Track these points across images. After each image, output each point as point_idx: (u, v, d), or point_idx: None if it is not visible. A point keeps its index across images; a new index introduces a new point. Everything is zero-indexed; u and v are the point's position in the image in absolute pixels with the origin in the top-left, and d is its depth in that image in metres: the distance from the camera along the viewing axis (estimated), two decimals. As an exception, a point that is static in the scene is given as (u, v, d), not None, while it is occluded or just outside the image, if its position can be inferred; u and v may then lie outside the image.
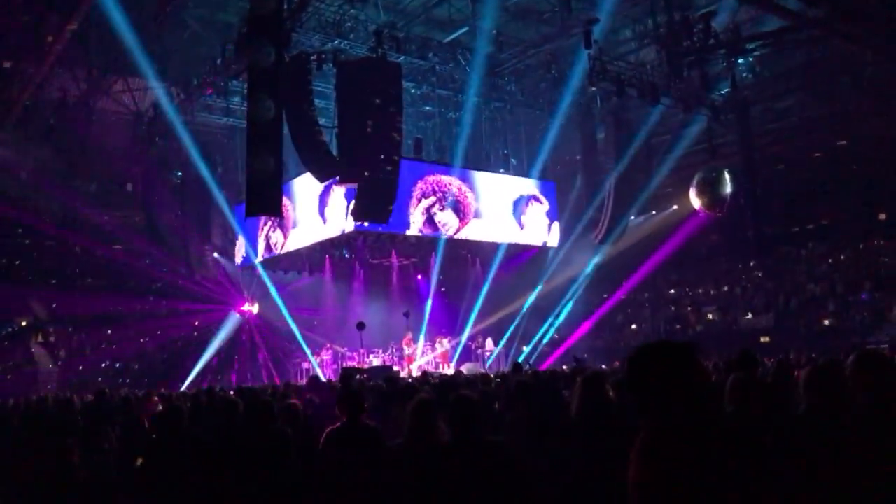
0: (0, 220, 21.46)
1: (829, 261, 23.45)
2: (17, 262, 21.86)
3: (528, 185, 22.60)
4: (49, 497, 4.06)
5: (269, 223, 22.59)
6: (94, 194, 23.01)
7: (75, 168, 22.45)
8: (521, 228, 22.02)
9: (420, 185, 20.45)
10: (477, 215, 21.31)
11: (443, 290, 24.34)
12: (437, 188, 20.75)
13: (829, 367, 3.38)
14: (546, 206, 22.67)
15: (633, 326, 26.23)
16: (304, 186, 20.91)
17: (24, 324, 24.20)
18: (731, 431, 2.07)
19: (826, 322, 21.19)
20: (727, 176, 20.13)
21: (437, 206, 20.65)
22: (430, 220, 20.51)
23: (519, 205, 22.16)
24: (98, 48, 20.28)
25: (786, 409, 3.57)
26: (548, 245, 22.74)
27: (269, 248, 23.04)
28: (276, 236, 22.64)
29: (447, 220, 20.80)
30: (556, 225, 22.99)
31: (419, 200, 20.34)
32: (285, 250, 22.48)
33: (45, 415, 9.14)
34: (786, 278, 23.98)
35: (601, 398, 4.74)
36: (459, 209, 21.07)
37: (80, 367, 23.08)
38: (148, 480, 4.95)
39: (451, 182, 21.08)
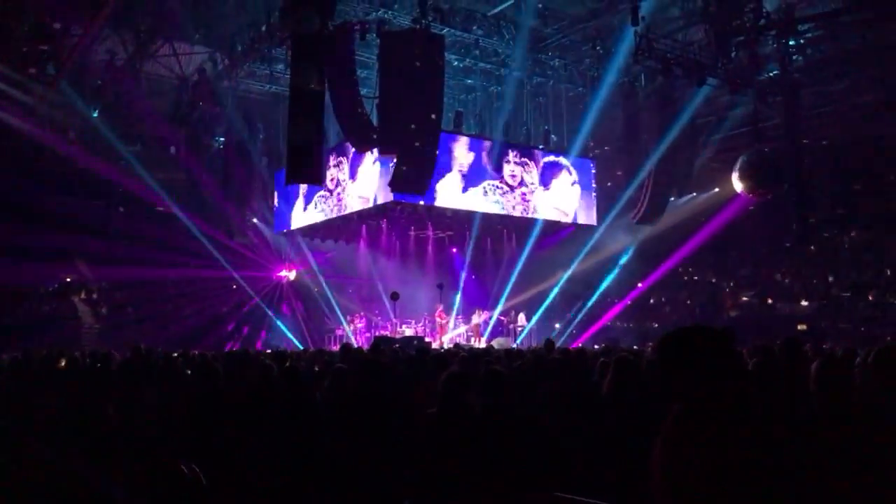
0: (47, 180, 21.91)
1: (873, 249, 22.95)
2: (63, 221, 22.28)
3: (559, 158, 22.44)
4: (83, 449, 4.20)
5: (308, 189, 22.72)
6: (138, 156, 23.33)
7: (120, 129, 22.79)
8: (546, 189, 21.83)
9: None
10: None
11: (477, 264, 24.36)
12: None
13: (839, 361, 3.32)
14: (574, 177, 22.41)
15: (668, 309, 26.03)
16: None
17: (68, 280, 24.80)
18: (758, 419, 2.06)
19: (867, 312, 20.81)
20: (772, 160, 19.74)
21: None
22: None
23: (547, 171, 21.99)
24: (145, 12, 20.49)
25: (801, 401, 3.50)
26: (578, 221, 22.52)
27: (307, 215, 23.21)
28: (320, 202, 22.78)
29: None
30: (590, 201, 22.75)
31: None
32: (324, 218, 22.66)
33: (82, 368, 9.42)
34: (827, 266, 23.55)
35: (634, 379, 4.76)
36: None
37: (122, 325, 23.61)
38: (182, 437, 5.09)
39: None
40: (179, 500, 2.34)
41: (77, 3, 18.44)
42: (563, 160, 22.27)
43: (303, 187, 22.43)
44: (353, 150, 20.00)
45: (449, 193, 20.08)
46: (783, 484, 1.95)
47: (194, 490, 2.39)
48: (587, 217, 22.60)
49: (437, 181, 19.31)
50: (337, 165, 21.80)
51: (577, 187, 22.36)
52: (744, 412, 2.02)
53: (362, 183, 20.79)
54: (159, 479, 2.41)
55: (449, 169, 19.94)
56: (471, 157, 20.54)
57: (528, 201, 21.44)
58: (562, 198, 22.11)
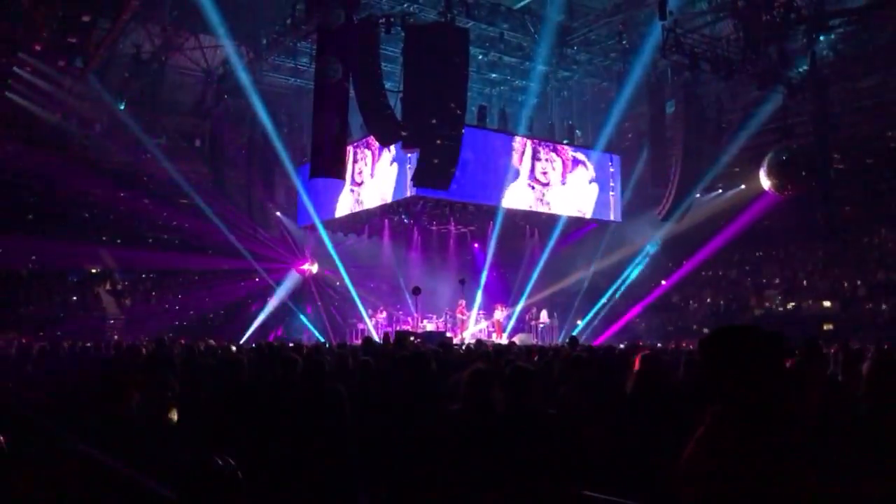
0: (74, 170, 22.17)
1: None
2: (88, 213, 22.60)
3: (578, 154, 22.32)
4: (106, 439, 4.22)
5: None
6: (163, 148, 23.54)
7: (147, 122, 23.00)
8: (567, 185, 21.73)
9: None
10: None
11: (499, 259, 24.31)
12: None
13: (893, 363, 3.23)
14: (591, 172, 22.27)
15: (692, 306, 25.81)
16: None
17: (93, 271, 25.10)
18: (797, 426, 2.00)
19: (893, 312, 20.49)
20: (799, 157, 19.48)
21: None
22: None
23: (570, 167, 21.91)
24: (172, 5, 20.63)
25: (849, 404, 3.42)
26: (601, 217, 22.38)
27: (330, 209, 23.27)
28: (345, 197, 22.85)
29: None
30: (614, 197, 22.60)
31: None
32: (349, 212, 22.72)
33: (108, 358, 9.51)
34: (854, 265, 23.22)
35: (659, 378, 4.71)
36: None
37: (146, 316, 23.87)
38: (205, 428, 5.11)
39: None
40: (211, 492, 2.33)
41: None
42: (583, 156, 22.15)
43: (327, 181, 22.47)
44: (377, 144, 20.03)
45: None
46: (822, 488, 1.90)
47: (230, 484, 2.38)
48: (611, 213, 22.44)
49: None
50: (361, 160, 21.84)
51: (596, 184, 22.24)
52: (786, 416, 1.96)
53: (380, 180, 20.88)
54: (194, 473, 2.40)
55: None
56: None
57: (550, 197, 21.35)
58: (582, 194, 21.99)
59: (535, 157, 21.13)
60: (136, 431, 4.51)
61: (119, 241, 24.58)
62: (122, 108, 22.35)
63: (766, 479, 1.85)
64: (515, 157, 20.86)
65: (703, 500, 1.93)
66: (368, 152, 21.54)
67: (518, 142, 20.96)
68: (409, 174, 19.05)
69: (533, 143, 21.17)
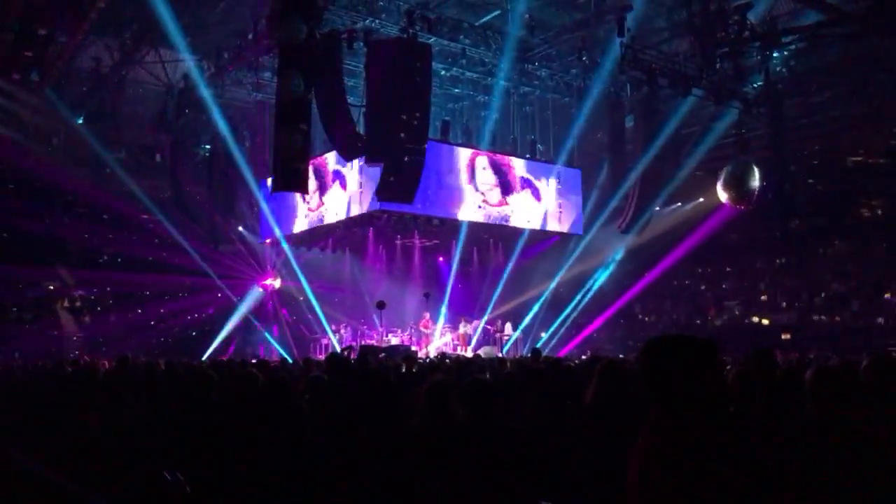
0: (31, 186, 21.78)
1: (855, 260, 23.17)
2: (46, 228, 22.16)
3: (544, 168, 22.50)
4: (69, 458, 4.17)
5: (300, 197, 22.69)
6: (123, 163, 23.24)
7: (106, 137, 22.68)
8: (531, 199, 21.90)
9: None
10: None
11: (464, 273, 24.39)
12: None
13: (838, 371, 3.31)
14: (556, 187, 22.49)
15: (653, 318, 26.15)
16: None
17: (51, 288, 24.61)
18: (738, 431, 2.07)
19: (849, 322, 21.00)
20: (756, 170, 19.92)
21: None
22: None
23: (532, 181, 22.10)
24: (131, 19, 20.44)
25: (796, 411, 3.50)
26: (564, 230, 22.57)
27: (295, 223, 23.15)
28: (306, 209, 22.74)
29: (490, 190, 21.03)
30: (576, 211, 22.83)
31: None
32: (310, 226, 22.61)
33: (67, 377, 9.34)
34: (810, 276, 23.75)
35: (618, 387, 4.77)
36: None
37: (105, 333, 23.45)
38: (167, 447, 5.05)
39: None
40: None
41: (62, 9, 18.37)
42: (547, 170, 22.36)
43: (290, 195, 22.37)
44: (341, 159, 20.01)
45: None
46: (762, 493, 1.97)
47: (179, 499, 2.38)
48: (573, 226, 22.67)
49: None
50: (322, 174, 21.77)
51: (561, 197, 22.43)
52: (721, 421, 2.03)
53: (342, 194, 20.90)
54: (144, 488, 2.39)
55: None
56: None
57: (511, 210, 21.50)
58: (545, 208, 22.17)
59: (495, 172, 21.22)
60: (93, 449, 4.46)
61: (78, 257, 24.15)
62: (80, 122, 22.02)
63: (700, 474, 1.91)
64: (469, 172, 20.89)
65: (644, 496, 1.99)
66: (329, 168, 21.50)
67: (465, 155, 20.98)
68: (359, 189, 19.22)
69: (490, 157, 21.26)
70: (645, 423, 2.07)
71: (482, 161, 21.01)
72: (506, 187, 21.38)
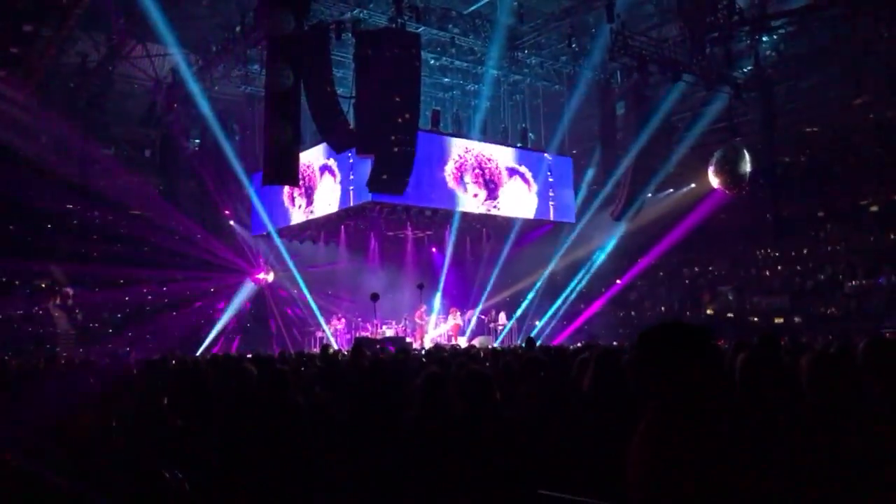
0: (20, 184, 21.61)
1: (848, 244, 23.24)
2: (36, 225, 22.03)
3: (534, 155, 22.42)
4: (62, 458, 4.15)
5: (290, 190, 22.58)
6: (112, 159, 23.11)
7: (94, 133, 22.54)
8: (521, 187, 21.83)
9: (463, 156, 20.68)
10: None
11: (457, 263, 24.36)
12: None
13: (835, 356, 3.30)
14: (543, 175, 22.46)
15: (647, 304, 26.21)
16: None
17: (43, 286, 24.48)
18: (740, 417, 2.04)
19: (842, 306, 21.08)
20: (747, 155, 19.94)
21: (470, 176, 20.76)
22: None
23: (521, 169, 22.05)
24: (117, 13, 20.26)
25: (795, 396, 3.49)
26: (556, 218, 22.54)
27: (287, 216, 23.08)
28: (299, 202, 22.66)
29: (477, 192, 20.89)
30: (568, 199, 22.82)
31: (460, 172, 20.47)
32: (303, 219, 22.55)
33: (61, 375, 9.29)
34: (803, 260, 23.82)
35: (614, 375, 4.77)
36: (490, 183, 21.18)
37: (98, 330, 23.36)
38: (163, 443, 5.03)
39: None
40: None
41: (47, 5, 18.22)
42: (538, 158, 22.32)
43: (283, 187, 22.29)
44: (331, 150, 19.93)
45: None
46: (765, 483, 1.94)
47: (178, 497, 2.36)
48: (565, 215, 22.67)
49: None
50: (308, 170, 21.68)
51: (553, 186, 22.40)
52: (722, 410, 2.00)
53: (333, 186, 20.83)
54: (141, 486, 2.36)
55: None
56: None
57: (502, 200, 21.46)
58: (535, 196, 22.14)
59: (478, 162, 21.13)
60: (92, 450, 4.43)
61: (69, 254, 24.03)
62: (68, 118, 21.87)
63: (704, 468, 1.89)
64: (456, 163, 20.83)
65: (647, 493, 1.96)
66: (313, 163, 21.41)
67: (457, 145, 20.91)
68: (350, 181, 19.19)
69: (476, 164, 21.21)
70: (643, 419, 2.04)
71: (468, 174, 20.92)
72: (493, 188, 21.32)
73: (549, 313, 23.53)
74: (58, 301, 24.35)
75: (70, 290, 24.31)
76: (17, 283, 23.69)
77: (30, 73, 19.19)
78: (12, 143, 21.87)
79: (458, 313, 22.61)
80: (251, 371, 5.83)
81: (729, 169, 19.86)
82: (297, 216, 22.66)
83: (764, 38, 20.91)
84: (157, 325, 23.92)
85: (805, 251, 23.99)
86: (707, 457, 1.89)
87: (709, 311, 23.96)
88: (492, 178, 21.31)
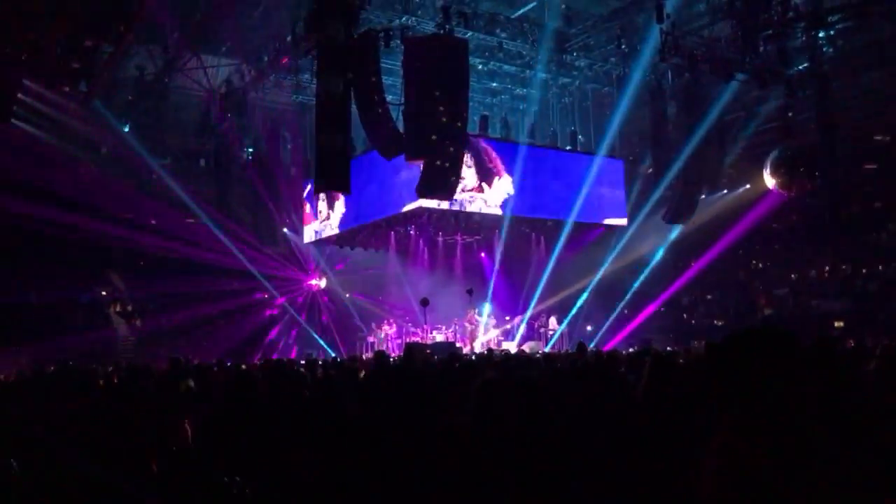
0: (82, 193, 22.27)
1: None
2: (96, 233, 22.64)
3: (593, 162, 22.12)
4: (120, 463, 4.25)
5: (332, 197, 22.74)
6: (169, 169, 23.64)
7: (152, 143, 23.10)
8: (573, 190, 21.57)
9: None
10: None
11: (506, 268, 24.30)
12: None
13: None
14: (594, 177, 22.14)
15: (701, 308, 25.74)
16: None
17: (103, 293, 25.17)
18: (819, 429, 1.92)
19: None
20: (803, 155, 19.45)
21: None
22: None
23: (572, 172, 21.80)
24: (173, 26, 20.75)
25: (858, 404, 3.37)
26: (607, 222, 22.33)
27: (331, 223, 23.33)
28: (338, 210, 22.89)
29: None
30: (620, 202, 22.57)
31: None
32: (349, 227, 22.76)
33: (120, 380, 9.53)
34: (863, 262, 23.13)
35: (670, 380, 4.69)
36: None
37: (157, 337, 23.89)
38: (219, 449, 5.12)
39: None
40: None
41: (108, 19, 18.72)
42: (588, 161, 22.10)
43: (331, 194, 22.53)
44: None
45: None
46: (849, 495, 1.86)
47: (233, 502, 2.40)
48: (617, 218, 22.43)
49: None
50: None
51: (604, 189, 22.17)
52: (805, 417, 1.89)
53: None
54: (201, 493, 2.41)
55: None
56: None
57: (556, 203, 21.34)
58: (584, 199, 21.89)
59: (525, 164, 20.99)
60: (150, 456, 4.54)
61: (128, 263, 24.66)
62: (127, 129, 22.47)
63: (790, 485, 1.80)
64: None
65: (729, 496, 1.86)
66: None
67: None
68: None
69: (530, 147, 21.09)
70: (719, 433, 1.92)
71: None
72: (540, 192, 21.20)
73: (601, 318, 23.30)
74: (117, 308, 25.02)
75: (129, 298, 24.97)
76: (79, 287, 24.36)
77: (91, 87, 19.75)
78: (74, 156, 22.61)
79: (508, 318, 22.59)
80: (304, 376, 5.92)
81: (785, 169, 19.40)
82: (347, 222, 22.87)
83: (820, 34, 20.36)
84: (212, 331, 24.39)
85: (865, 253, 23.29)
86: (792, 472, 1.79)
87: (765, 315, 23.41)
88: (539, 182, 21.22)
